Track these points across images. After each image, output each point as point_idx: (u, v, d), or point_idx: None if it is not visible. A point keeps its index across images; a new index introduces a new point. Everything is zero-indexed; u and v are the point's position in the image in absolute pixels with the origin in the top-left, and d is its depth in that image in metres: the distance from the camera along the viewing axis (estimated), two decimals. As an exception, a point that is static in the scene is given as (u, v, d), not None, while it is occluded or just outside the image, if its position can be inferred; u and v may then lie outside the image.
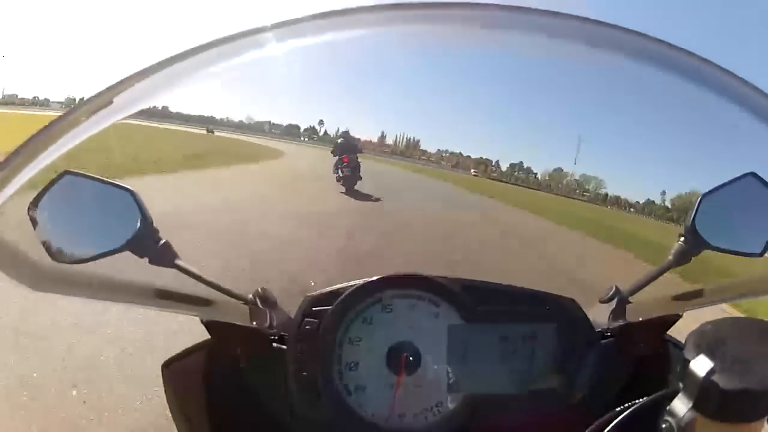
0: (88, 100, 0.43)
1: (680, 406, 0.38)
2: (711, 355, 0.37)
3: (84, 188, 0.54)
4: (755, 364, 0.36)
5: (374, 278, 0.56)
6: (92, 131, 0.45)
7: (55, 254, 0.50)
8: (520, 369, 0.56)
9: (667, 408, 0.38)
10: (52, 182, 0.51)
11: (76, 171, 0.51)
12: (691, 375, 0.37)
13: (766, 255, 0.59)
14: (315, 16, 0.43)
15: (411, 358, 0.55)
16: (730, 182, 0.61)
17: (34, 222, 0.50)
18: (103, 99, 0.43)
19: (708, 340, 0.39)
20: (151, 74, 0.43)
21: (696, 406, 0.37)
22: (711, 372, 0.36)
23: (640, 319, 0.58)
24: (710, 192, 0.61)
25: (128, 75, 0.43)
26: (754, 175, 0.60)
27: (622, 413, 0.41)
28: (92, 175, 0.53)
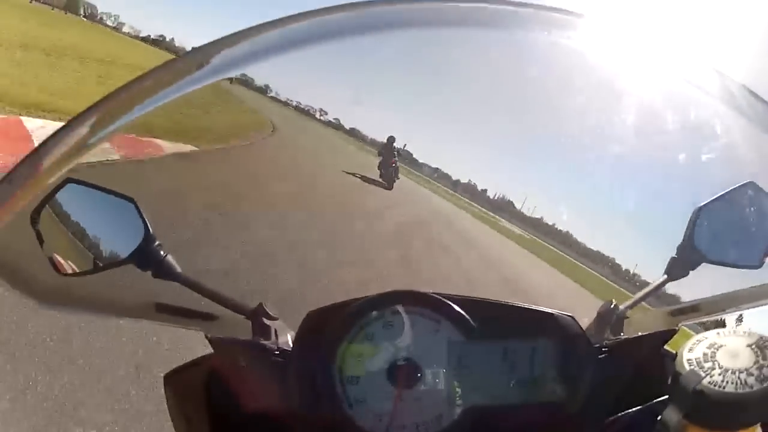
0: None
1: (672, 415, 0.38)
2: (701, 367, 0.38)
3: (86, 197, 0.53)
4: (745, 374, 0.36)
5: (376, 295, 0.57)
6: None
7: (57, 266, 0.51)
8: (519, 384, 0.56)
9: (659, 418, 0.39)
10: (55, 191, 0.50)
11: (78, 179, 0.51)
12: (682, 386, 0.37)
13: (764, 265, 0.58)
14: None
15: (411, 373, 0.55)
16: (728, 192, 0.60)
17: (37, 232, 0.50)
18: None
19: (699, 352, 0.39)
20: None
21: (687, 416, 0.37)
22: (701, 383, 0.36)
23: (638, 334, 0.58)
24: (707, 203, 0.60)
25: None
26: (753, 184, 0.60)
27: (614, 423, 0.41)
28: (94, 183, 0.53)
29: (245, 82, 0.81)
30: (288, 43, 0.44)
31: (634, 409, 0.42)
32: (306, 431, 0.55)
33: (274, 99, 0.89)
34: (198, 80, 0.44)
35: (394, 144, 0.97)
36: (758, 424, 0.37)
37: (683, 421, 0.37)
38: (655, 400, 0.40)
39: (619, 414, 0.42)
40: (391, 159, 1.00)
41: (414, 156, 0.97)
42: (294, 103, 0.95)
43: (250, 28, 0.43)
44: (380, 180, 1.06)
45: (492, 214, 0.95)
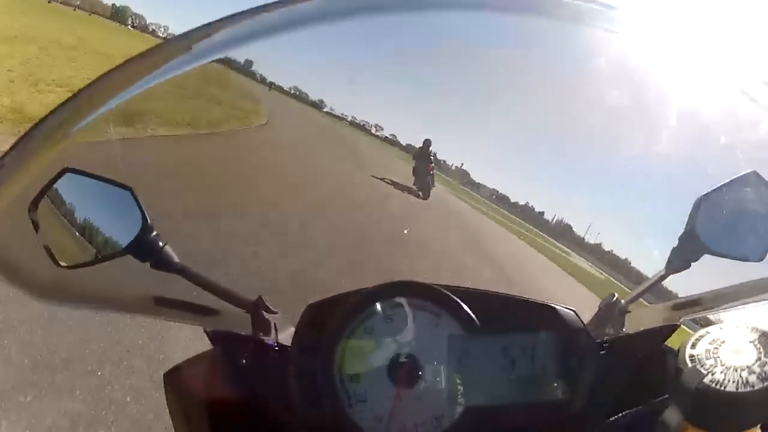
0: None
1: (672, 415, 0.38)
2: (703, 365, 0.37)
3: (84, 186, 0.53)
4: (747, 372, 0.36)
5: (376, 286, 0.57)
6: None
7: (56, 258, 0.50)
8: (520, 379, 0.56)
9: (660, 418, 0.39)
10: (52, 181, 0.50)
11: (76, 168, 0.51)
12: (683, 384, 0.37)
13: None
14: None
15: (411, 370, 0.55)
16: (730, 182, 0.59)
17: (35, 224, 0.49)
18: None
19: (701, 348, 0.39)
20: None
21: (688, 416, 0.37)
22: (702, 381, 0.36)
23: (640, 329, 0.58)
24: (709, 193, 0.59)
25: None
26: (755, 174, 0.59)
27: (615, 423, 0.41)
28: (92, 172, 0.53)
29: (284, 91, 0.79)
30: (294, 22, 0.43)
31: (634, 409, 0.42)
32: (305, 428, 0.55)
33: (278, 88, 0.87)
34: (187, 62, 0.43)
35: (431, 148, 0.92)
36: (759, 425, 0.37)
37: (684, 422, 0.37)
38: (655, 400, 0.40)
39: (620, 414, 0.42)
40: (428, 165, 0.96)
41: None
42: (288, 87, 0.92)
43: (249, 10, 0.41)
44: (414, 188, 1.02)
45: (493, 206, 0.94)
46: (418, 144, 0.92)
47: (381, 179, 1.13)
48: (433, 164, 0.95)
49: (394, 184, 1.11)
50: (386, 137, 0.92)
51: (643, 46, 0.52)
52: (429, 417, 0.54)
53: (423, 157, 0.95)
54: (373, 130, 0.91)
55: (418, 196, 1.04)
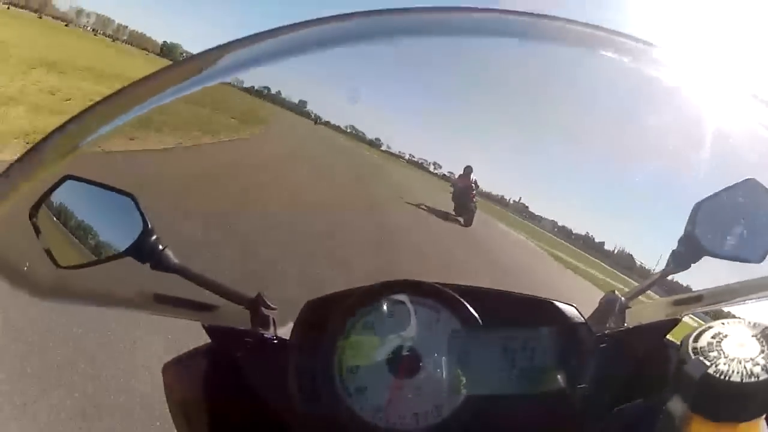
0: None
1: (677, 407, 0.38)
2: (706, 357, 0.38)
3: (85, 193, 0.54)
4: (751, 363, 0.36)
5: (375, 284, 0.57)
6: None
7: (56, 259, 0.51)
8: (520, 374, 0.56)
9: (664, 408, 0.39)
10: (53, 187, 0.51)
11: (77, 176, 0.52)
12: (687, 376, 0.37)
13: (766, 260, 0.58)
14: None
15: (411, 362, 0.55)
16: (730, 188, 0.60)
17: (35, 227, 0.50)
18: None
19: (704, 341, 0.39)
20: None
21: (692, 407, 0.37)
22: (706, 373, 0.36)
23: (640, 323, 0.58)
24: (707, 198, 0.60)
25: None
26: (753, 180, 0.60)
27: (618, 415, 0.41)
28: (93, 179, 0.54)
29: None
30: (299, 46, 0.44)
31: (637, 400, 0.42)
32: (305, 421, 0.55)
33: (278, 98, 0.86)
34: (191, 85, 0.44)
35: (472, 175, 0.90)
36: (764, 416, 0.37)
37: (688, 411, 0.37)
38: (660, 392, 0.40)
39: (623, 405, 0.42)
40: (471, 192, 0.94)
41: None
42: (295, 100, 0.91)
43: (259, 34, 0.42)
44: (454, 214, 1.00)
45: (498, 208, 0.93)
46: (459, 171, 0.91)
47: (417, 205, 1.11)
48: (475, 191, 0.93)
49: (431, 210, 1.09)
50: (437, 173, 0.91)
51: (658, 63, 0.52)
52: (428, 408, 0.54)
53: (464, 185, 0.93)
54: (432, 168, 0.90)
55: (458, 223, 1.02)
